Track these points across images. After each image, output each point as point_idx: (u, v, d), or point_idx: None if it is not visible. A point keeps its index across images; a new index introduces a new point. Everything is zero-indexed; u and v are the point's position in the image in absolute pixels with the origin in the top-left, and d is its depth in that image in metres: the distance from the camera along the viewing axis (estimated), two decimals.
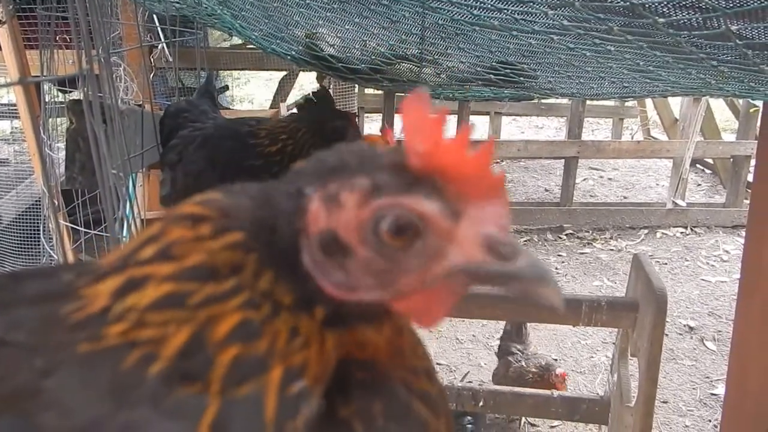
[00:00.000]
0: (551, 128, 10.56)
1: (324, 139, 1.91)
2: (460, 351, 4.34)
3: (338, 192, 0.57)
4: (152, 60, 3.01)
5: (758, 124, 5.65)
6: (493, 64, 1.90)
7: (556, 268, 5.67)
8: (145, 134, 2.11)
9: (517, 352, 3.41)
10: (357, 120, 2.05)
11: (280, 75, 6.67)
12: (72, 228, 2.71)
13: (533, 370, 3.26)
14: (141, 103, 2.64)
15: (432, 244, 0.58)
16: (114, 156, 1.42)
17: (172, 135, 2.13)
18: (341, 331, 0.60)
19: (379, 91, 6.76)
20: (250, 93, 11.92)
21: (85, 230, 2.46)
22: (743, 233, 3.75)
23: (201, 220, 0.59)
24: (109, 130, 1.42)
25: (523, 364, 3.30)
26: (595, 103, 7.92)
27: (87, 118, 1.22)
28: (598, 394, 3.35)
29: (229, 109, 6.36)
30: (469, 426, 3.14)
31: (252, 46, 4.74)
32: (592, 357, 4.33)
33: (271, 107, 6.20)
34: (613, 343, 3.01)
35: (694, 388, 4.04)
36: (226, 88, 7.26)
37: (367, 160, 0.59)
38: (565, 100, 7.46)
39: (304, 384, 0.55)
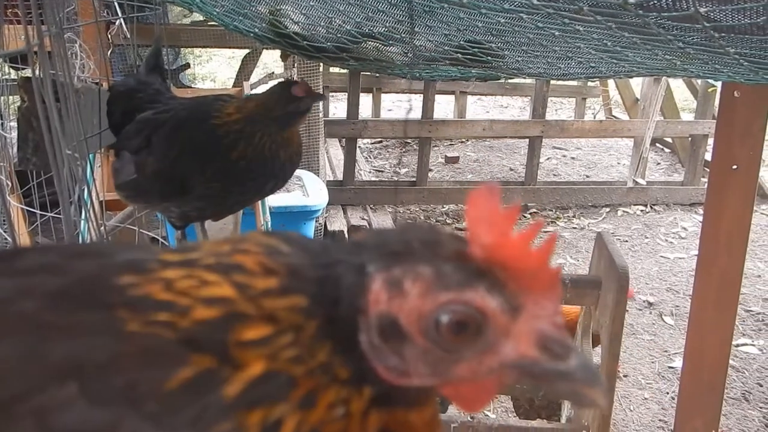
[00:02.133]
0: (516, 108, 10.63)
1: (278, 125, 1.86)
2: None
3: (402, 278, 0.57)
4: (110, 36, 2.90)
5: (716, 103, 5.79)
6: (461, 42, 1.89)
7: None
8: (103, 113, 2.03)
9: None
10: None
11: (242, 53, 6.53)
12: (28, 210, 2.62)
13: None
14: (98, 81, 2.55)
15: (489, 339, 0.58)
16: (69, 136, 1.37)
17: (125, 118, 2.02)
18: (386, 411, 0.60)
19: (345, 71, 6.69)
20: (212, 71, 11.67)
21: (42, 212, 2.38)
22: (701, 211, 3.85)
23: (270, 272, 0.59)
24: (63, 109, 1.36)
25: None
26: (559, 82, 7.99)
27: (38, 97, 1.16)
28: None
29: (191, 87, 6.21)
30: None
31: (213, 23, 4.63)
32: None
33: (234, 86, 6.07)
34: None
35: (652, 362, 4.16)
36: (188, 65, 7.07)
37: (432, 246, 0.58)
38: (529, 80, 7.50)
39: None
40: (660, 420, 3.64)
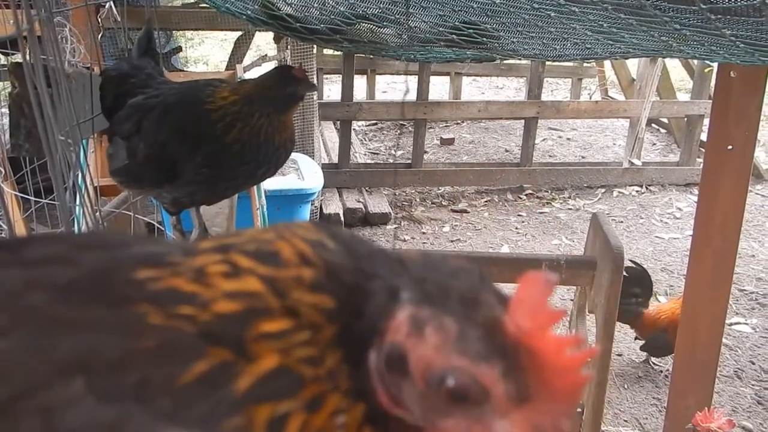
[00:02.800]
0: (511, 89, 10.59)
1: (274, 108, 1.85)
2: None
3: (426, 322, 0.57)
4: (99, 20, 2.86)
5: (712, 84, 5.79)
6: (456, 24, 1.87)
7: (516, 228, 5.77)
8: (95, 98, 2.01)
9: None
10: (308, 75, 1.97)
11: (235, 35, 6.47)
12: (22, 197, 2.60)
13: None
14: (89, 65, 2.52)
15: (485, 414, 0.58)
16: (62, 122, 1.36)
17: (118, 103, 2.01)
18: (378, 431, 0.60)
19: (339, 53, 6.64)
20: (205, 54, 11.56)
21: (36, 199, 2.37)
22: (696, 191, 3.86)
23: (308, 263, 0.59)
24: (55, 94, 1.35)
25: None
26: (554, 63, 7.95)
27: (29, 82, 1.15)
28: None
29: (183, 71, 6.15)
30: None
31: (205, 5, 4.57)
32: None
33: (227, 68, 6.02)
34: (572, 300, 3.09)
35: None
36: (180, 49, 7.00)
37: (469, 304, 0.58)
38: (525, 61, 7.46)
39: None
40: (654, 398, 3.69)
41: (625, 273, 3.77)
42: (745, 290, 4.75)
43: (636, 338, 3.97)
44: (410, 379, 0.57)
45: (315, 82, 4.99)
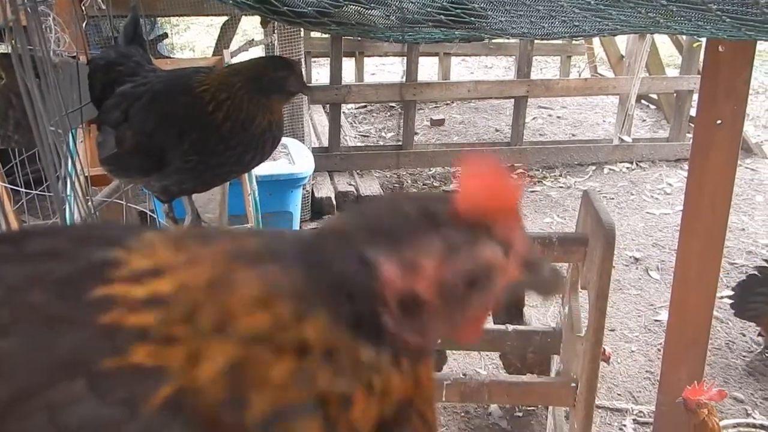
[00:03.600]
0: (500, 68, 10.55)
1: (262, 92, 1.84)
2: None
3: (414, 257, 0.60)
4: (83, 8, 2.82)
5: (701, 59, 5.78)
6: (444, 4, 1.86)
7: None
8: (83, 87, 2.00)
9: None
10: (302, 66, 1.96)
11: (221, 20, 6.39)
12: (12, 189, 2.59)
13: None
14: (75, 54, 2.50)
15: (494, 281, 0.64)
16: (51, 112, 1.35)
17: (106, 92, 1.99)
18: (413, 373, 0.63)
19: (327, 35, 6.58)
20: (191, 40, 11.43)
21: (26, 191, 2.36)
22: (686, 167, 3.88)
23: (272, 302, 0.57)
24: (43, 84, 1.34)
25: None
26: (543, 41, 7.93)
27: (18, 73, 1.14)
28: (550, 326, 3.49)
29: (170, 58, 6.09)
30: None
31: None
32: None
33: (214, 54, 5.97)
34: (564, 277, 3.11)
35: (639, 316, 4.25)
36: (165, 35, 6.93)
37: (427, 217, 0.61)
38: (514, 40, 7.43)
39: None
40: (647, 371, 3.74)
41: (757, 273, 3.79)
42: (735, 263, 4.81)
43: (759, 335, 3.96)
44: (428, 305, 0.61)
45: (303, 67, 4.96)
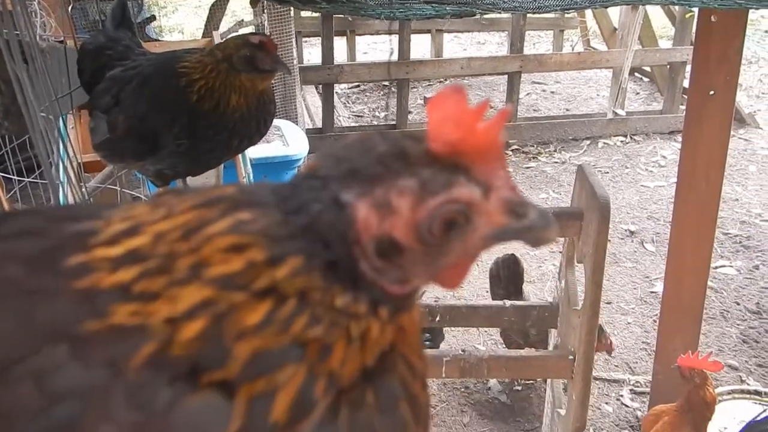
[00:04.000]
0: (493, 44, 10.48)
1: (234, 71, 1.82)
2: None
3: (388, 198, 0.58)
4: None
5: (694, 29, 5.76)
6: None
7: None
8: (72, 73, 1.98)
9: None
10: (293, 47, 1.92)
11: (210, 1, 6.32)
12: (4, 177, 2.58)
13: None
14: (62, 39, 2.47)
15: (474, 224, 0.62)
16: (40, 98, 1.34)
17: (96, 77, 1.98)
18: (395, 322, 0.62)
19: (317, 15, 6.52)
20: (180, 22, 11.30)
21: (19, 178, 2.35)
22: (680, 138, 3.89)
23: (242, 248, 0.57)
24: (32, 70, 1.32)
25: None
26: (535, 15, 7.86)
27: (6, 59, 1.13)
28: (547, 300, 3.51)
29: (159, 40, 6.02)
30: (427, 342, 3.26)
31: None
32: (541, 266, 4.51)
33: (203, 36, 5.91)
34: (560, 252, 3.13)
35: (635, 288, 4.29)
36: (153, 18, 6.84)
37: (402, 157, 0.59)
38: (506, 15, 7.37)
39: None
40: (643, 342, 3.78)
41: None
42: (729, 233, 4.84)
43: None
44: (406, 249, 0.59)
45: (294, 45, 4.92)
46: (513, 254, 3.55)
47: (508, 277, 3.43)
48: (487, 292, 4.21)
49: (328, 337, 0.57)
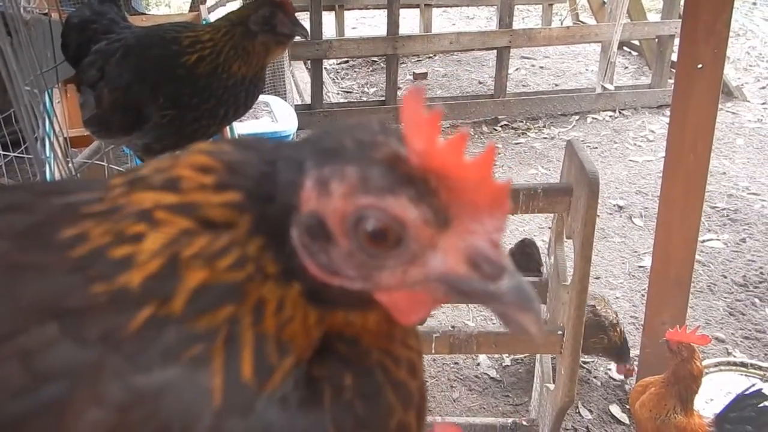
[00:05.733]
0: (482, 18, 10.39)
1: (248, 35, 1.79)
2: None
3: (330, 178, 0.56)
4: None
5: (682, 2, 5.73)
6: None
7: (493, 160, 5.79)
8: (57, 46, 1.94)
9: None
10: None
11: None
12: None
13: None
14: (46, 11, 2.42)
15: (412, 249, 0.56)
16: (25, 72, 1.31)
17: (82, 51, 1.95)
18: (324, 310, 0.60)
19: None
20: None
21: (4, 153, 2.32)
22: (668, 113, 3.90)
23: (207, 170, 0.58)
24: (15, 42, 1.29)
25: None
26: None
27: None
28: (537, 276, 3.53)
29: (145, 14, 5.92)
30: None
31: None
32: None
33: (191, 10, 5.81)
34: (549, 228, 3.14)
35: (623, 263, 4.33)
36: None
37: (366, 147, 0.56)
38: None
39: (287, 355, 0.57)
40: (631, 317, 3.83)
41: None
42: (716, 207, 4.88)
43: None
44: (334, 240, 0.57)
45: None
46: (529, 239, 3.57)
47: (523, 263, 3.41)
48: None
49: (249, 287, 0.56)
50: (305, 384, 0.59)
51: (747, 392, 2.64)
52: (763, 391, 2.64)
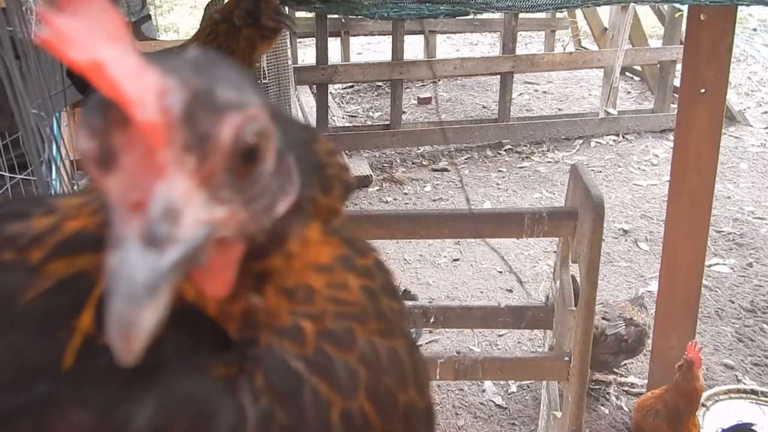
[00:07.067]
0: (485, 44, 10.50)
1: (233, 32, 1.79)
2: (409, 271, 4.44)
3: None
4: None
5: (683, 29, 5.79)
6: None
7: (497, 184, 5.80)
8: (65, 70, 1.96)
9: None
10: (288, 47, 1.88)
11: (205, 1, 6.30)
12: None
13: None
14: None
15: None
16: (33, 95, 1.32)
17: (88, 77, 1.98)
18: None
19: (312, 15, 6.51)
20: (174, 22, 11.27)
21: (11, 175, 2.33)
22: (671, 137, 3.90)
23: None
24: (24, 66, 1.31)
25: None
26: (527, 16, 7.89)
27: None
28: (542, 301, 3.51)
29: (155, 39, 5.99)
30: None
31: None
32: (535, 266, 4.51)
33: None
34: (554, 252, 3.13)
35: (629, 288, 4.29)
36: (149, 17, 6.81)
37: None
38: (498, 15, 7.39)
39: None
40: None
41: None
42: (722, 231, 4.85)
43: None
44: None
45: (289, 45, 4.91)
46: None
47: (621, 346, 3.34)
48: (482, 293, 4.22)
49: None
50: (213, 388, 0.50)
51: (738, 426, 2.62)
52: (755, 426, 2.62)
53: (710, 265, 4.35)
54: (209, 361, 0.51)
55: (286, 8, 5.08)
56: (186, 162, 0.43)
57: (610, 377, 3.50)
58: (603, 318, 3.28)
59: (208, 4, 6.24)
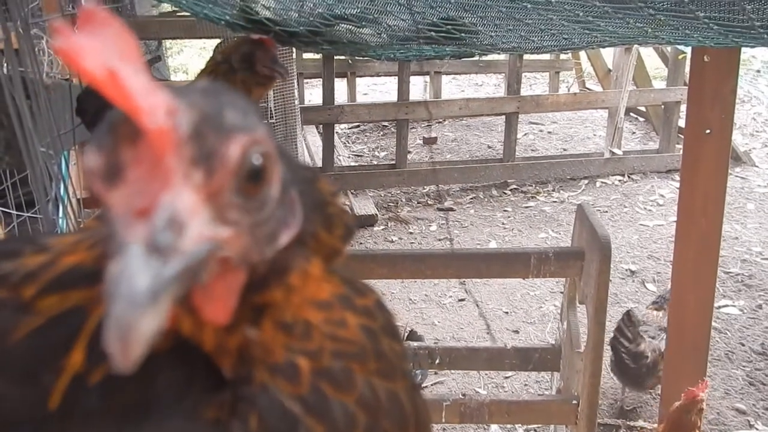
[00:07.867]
0: (490, 85, 10.64)
1: (232, 73, 1.81)
2: (414, 311, 4.40)
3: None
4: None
5: (687, 70, 5.87)
6: (435, 20, 1.88)
7: (503, 223, 5.79)
8: (76, 108, 1.99)
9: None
10: (295, 87, 1.92)
11: (214, 42, 6.43)
12: (3, 211, 2.57)
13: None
14: (68, 77, 2.49)
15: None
16: (42, 133, 1.34)
17: (98, 116, 2.01)
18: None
19: (319, 56, 6.62)
20: (184, 63, 11.49)
21: (18, 213, 2.34)
22: (677, 177, 3.90)
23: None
24: (34, 106, 1.33)
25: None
26: (532, 57, 8.01)
27: (8, 94, 1.13)
28: (549, 342, 3.47)
29: (167, 80, 6.11)
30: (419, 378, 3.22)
31: (183, 13, 4.54)
32: (541, 307, 4.47)
33: None
34: (561, 292, 3.10)
35: None
36: (159, 58, 6.95)
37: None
38: (503, 57, 7.51)
39: None
40: None
41: None
42: (730, 272, 4.81)
43: None
44: None
45: (296, 86, 4.98)
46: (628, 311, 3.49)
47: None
48: (488, 333, 4.17)
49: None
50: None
51: None
52: None
53: (719, 307, 4.30)
54: (202, 401, 0.49)
55: (294, 50, 5.18)
56: (193, 176, 0.44)
57: (619, 421, 3.42)
58: (650, 337, 3.26)
59: (217, 45, 6.37)
